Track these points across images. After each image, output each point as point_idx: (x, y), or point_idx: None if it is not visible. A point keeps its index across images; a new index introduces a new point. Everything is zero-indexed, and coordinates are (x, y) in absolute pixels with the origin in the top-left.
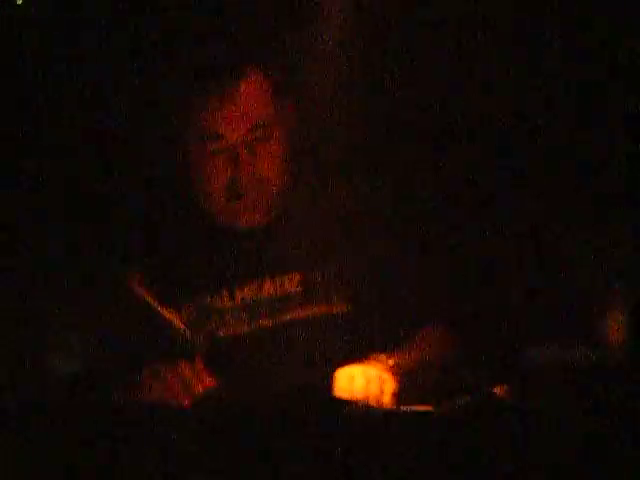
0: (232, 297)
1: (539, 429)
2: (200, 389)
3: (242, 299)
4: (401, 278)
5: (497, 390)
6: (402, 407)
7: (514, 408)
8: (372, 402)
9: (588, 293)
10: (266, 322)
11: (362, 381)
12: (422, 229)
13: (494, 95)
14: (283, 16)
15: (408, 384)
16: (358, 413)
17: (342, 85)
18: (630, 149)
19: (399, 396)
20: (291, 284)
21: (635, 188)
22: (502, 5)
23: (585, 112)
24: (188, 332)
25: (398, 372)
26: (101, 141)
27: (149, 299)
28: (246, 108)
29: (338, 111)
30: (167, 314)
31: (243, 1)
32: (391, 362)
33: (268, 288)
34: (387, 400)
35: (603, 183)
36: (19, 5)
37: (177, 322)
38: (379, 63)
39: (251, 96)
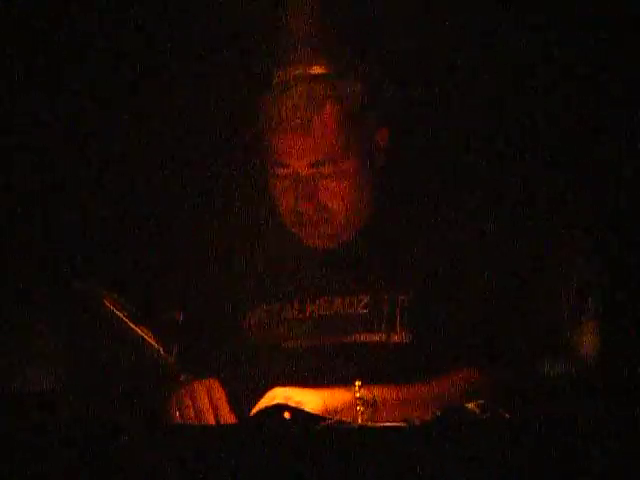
0: (302, 309)
1: (513, 442)
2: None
3: (311, 312)
4: (465, 318)
5: (469, 405)
6: (374, 423)
7: (486, 422)
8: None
9: (560, 307)
10: (329, 339)
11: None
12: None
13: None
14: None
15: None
16: (330, 429)
17: (417, 117)
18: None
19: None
20: (358, 305)
21: (601, 201)
22: None
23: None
24: (161, 350)
25: (356, 405)
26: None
27: (122, 317)
28: (314, 142)
29: (414, 142)
30: (140, 332)
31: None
32: (359, 393)
33: (337, 306)
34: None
35: (570, 198)
36: None
37: (150, 340)
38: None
39: (322, 131)
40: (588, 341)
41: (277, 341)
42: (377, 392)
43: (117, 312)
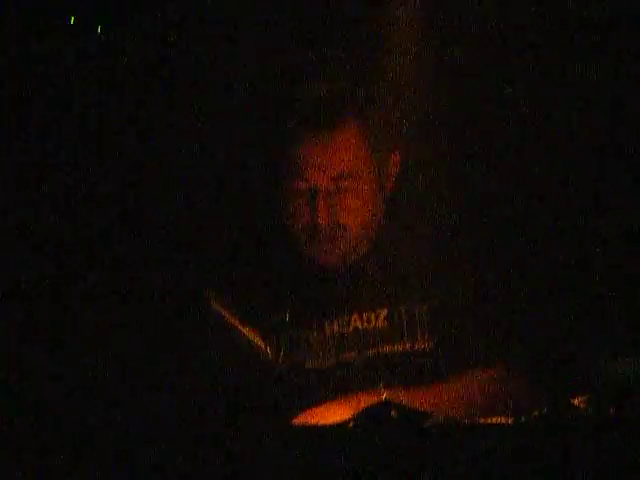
0: (321, 329)
1: (620, 439)
2: None
3: (330, 332)
4: (481, 319)
5: (575, 401)
6: (480, 419)
7: (593, 418)
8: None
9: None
10: (351, 356)
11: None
12: (509, 273)
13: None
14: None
15: None
16: (437, 426)
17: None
18: None
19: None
20: (377, 319)
21: None
22: None
23: None
24: (269, 350)
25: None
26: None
27: (229, 316)
28: (335, 156)
29: (435, 157)
30: (247, 332)
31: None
32: (385, 397)
33: (355, 322)
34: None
35: None
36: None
37: (257, 340)
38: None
39: (343, 145)
40: None
41: (301, 363)
42: (403, 395)
43: (224, 312)
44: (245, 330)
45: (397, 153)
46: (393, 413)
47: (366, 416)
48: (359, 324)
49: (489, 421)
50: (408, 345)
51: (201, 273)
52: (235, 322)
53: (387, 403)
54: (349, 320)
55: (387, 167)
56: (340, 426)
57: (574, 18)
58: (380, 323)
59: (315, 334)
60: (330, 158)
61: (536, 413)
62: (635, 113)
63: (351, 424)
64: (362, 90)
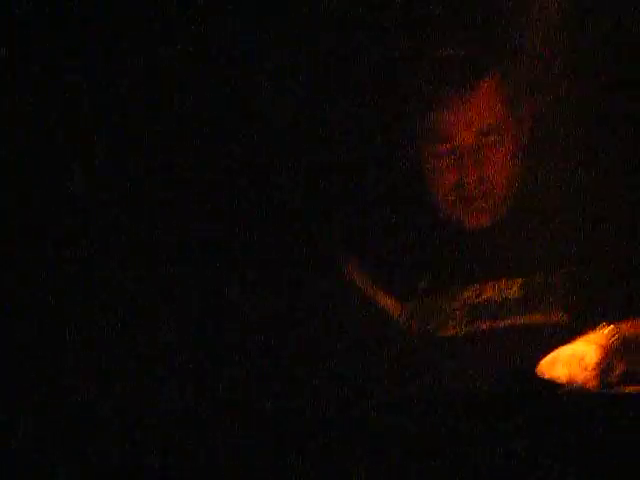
0: (454, 298)
1: None
2: None
3: (463, 301)
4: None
5: None
6: (623, 388)
7: None
8: (576, 381)
9: None
10: (484, 326)
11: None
12: None
13: None
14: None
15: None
16: (574, 394)
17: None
18: None
19: (609, 374)
20: (512, 289)
21: None
22: None
23: None
24: (404, 320)
25: (618, 348)
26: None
27: (366, 284)
28: (476, 113)
29: (571, 112)
30: (381, 298)
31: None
32: (613, 339)
33: (489, 292)
34: (591, 377)
35: None
36: None
37: (392, 307)
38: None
39: (483, 102)
40: None
41: (432, 331)
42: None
43: (358, 277)
44: (379, 296)
45: (532, 107)
46: (527, 383)
47: (500, 385)
48: (493, 293)
49: (626, 390)
50: (543, 317)
51: (336, 236)
52: (369, 287)
53: (522, 372)
54: (483, 289)
55: (523, 121)
56: (475, 395)
57: None
58: (514, 293)
59: (448, 303)
60: (473, 115)
61: None
62: None
63: (486, 393)
64: (499, 49)
